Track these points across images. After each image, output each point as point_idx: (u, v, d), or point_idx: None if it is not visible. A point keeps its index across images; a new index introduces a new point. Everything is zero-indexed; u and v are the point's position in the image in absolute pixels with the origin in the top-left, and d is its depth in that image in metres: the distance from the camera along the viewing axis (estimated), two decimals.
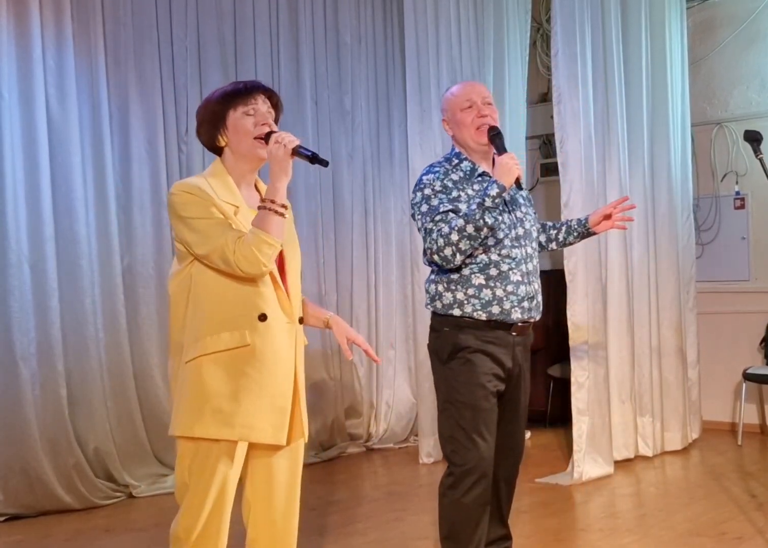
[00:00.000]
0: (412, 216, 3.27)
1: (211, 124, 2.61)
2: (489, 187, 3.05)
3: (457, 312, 3.17)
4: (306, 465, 6.00)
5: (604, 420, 5.27)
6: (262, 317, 2.51)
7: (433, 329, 3.28)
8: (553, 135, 5.62)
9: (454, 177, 3.21)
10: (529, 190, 6.99)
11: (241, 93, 2.60)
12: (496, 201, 3.03)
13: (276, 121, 2.65)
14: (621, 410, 5.53)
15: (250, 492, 2.64)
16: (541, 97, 7.15)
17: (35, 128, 4.79)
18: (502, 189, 3.04)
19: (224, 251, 2.44)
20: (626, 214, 3.58)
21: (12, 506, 4.68)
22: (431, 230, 3.11)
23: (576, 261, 5.24)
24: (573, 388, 5.25)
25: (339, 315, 6.26)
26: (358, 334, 2.83)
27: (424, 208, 3.15)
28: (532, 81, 6.54)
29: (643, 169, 5.77)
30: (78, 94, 4.99)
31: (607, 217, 3.48)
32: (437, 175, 3.19)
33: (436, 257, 3.10)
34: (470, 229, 3.03)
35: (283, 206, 2.51)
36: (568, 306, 5.25)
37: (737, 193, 6.43)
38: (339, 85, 6.33)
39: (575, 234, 3.53)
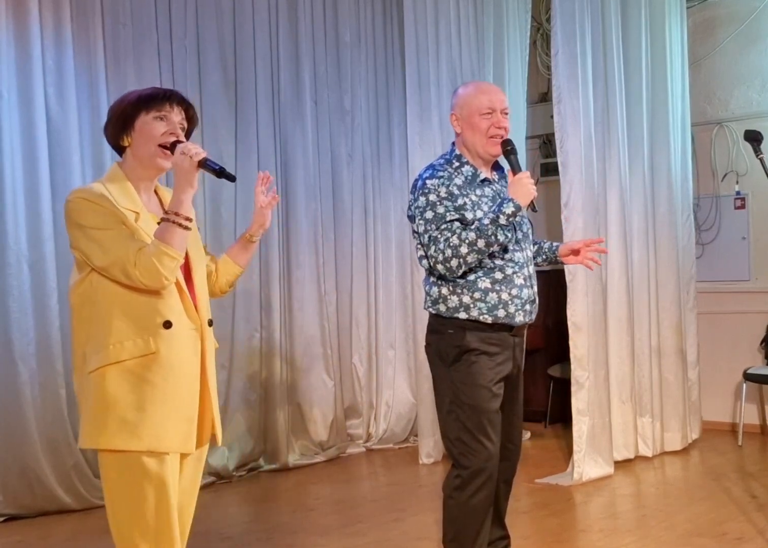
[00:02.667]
0: (410, 217, 3.22)
1: (120, 121, 2.52)
2: (504, 205, 3.03)
3: (462, 315, 3.16)
4: (306, 466, 6.04)
5: (604, 420, 5.26)
6: (167, 324, 2.45)
7: (435, 331, 3.25)
8: (553, 134, 5.61)
9: (458, 181, 3.16)
10: None
11: (157, 98, 2.53)
12: (510, 219, 3.02)
13: (188, 134, 2.59)
14: (621, 410, 5.52)
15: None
16: (541, 97, 7.14)
17: (34, 128, 4.78)
18: (518, 208, 3.03)
19: (125, 264, 2.38)
20: (597, 247, 3.50)
21: (11, 506, 4.68)
22: (436, 239, 3.07)
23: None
24: (573, 388, 5.25)
25: (338, 315, 6.31)
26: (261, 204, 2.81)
27: (429, 214, 3.10)
28: (532, 80, 6.53)
29: (643, 169, 5.76)
30: (77, 93, 4.98)
31: (575, 252, 3.44)
32: (442, 180, 3.14)
33: (440, 267, 3.08)
34: (481, 243, 3.02)
35: (188, 219, 2.42)
36: (568, 306, 5.24)
37: (738, 192, 6.42)
38: (339, 85, 6.32)
39: (543, 256, 3.49)
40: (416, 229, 3.18)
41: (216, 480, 5.35)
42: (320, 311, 6.10)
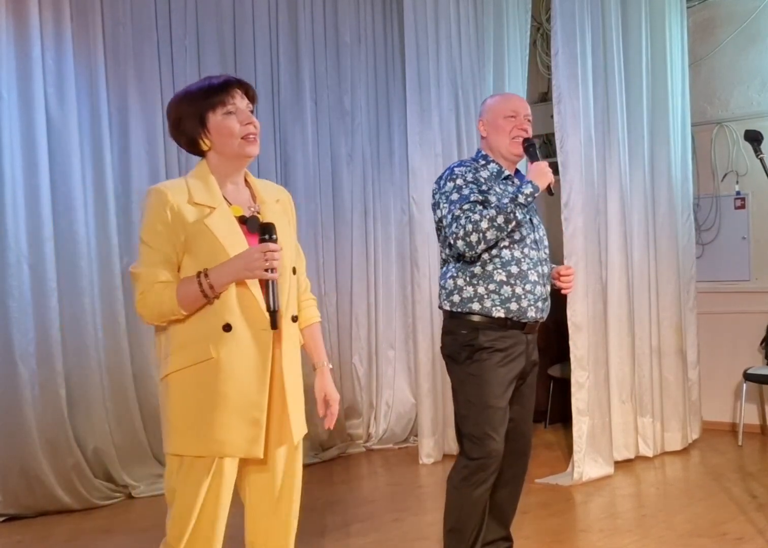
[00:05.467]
0: (434, 205, 3.32)
1: (190, 127, 2.48)
2: (524, 186, 3.18)
3: (476, 306, 3.23)
4: (306, 466, 5.98)
5: (604, 420, 5.26)
6: (227, 327, 2.41)
7: (449, 332, 3.33)
8: (553, 134, 5.61)
9: (484, 174, 3.31)
10: None
11: (217, 91, 2.48)
12: (529, 199, 3.15)
13: (252, 113, 2.57)
14: (621, 410, 5.52)
15: (248, 503, 2.60)
16: (541, 97, 7.14)
17: (34, 128, 4.79)
18: (536, 189, 3.17)
19: (138, 284, 2.44)
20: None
21: (11, 506, 4.68)
22: (459, 216, 3.17)
23: (576, 261, 5.23)
24: (573, 388, 5.25)
25: (338, 315, 6.30)
26: (336, 395, 2.73)
27: (455, 196, 3.22)
28: (532, 80, 6.53)
29: (643, 169, 5.76)
30: (77, 94, 4.98)
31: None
32: (469, 168, 3.30)
33: (460, 242, 3.15)
34: (500, 220, 3.11)
35: (216, 297, 2.41)
36: (568, 307, 5.24)
37: (738, 192, 6.42)
38: (339, 85, 6.32)
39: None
40: (440, 214, 3.28)
41: None
42: (320, 311, 6.08)
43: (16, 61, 4.76)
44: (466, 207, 3.16)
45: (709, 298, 6.39)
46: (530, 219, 3.33)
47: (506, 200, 3.15)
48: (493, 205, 3.16)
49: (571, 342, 5.26)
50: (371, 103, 6.49)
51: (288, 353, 2.52)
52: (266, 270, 2.38)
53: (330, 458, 6.01)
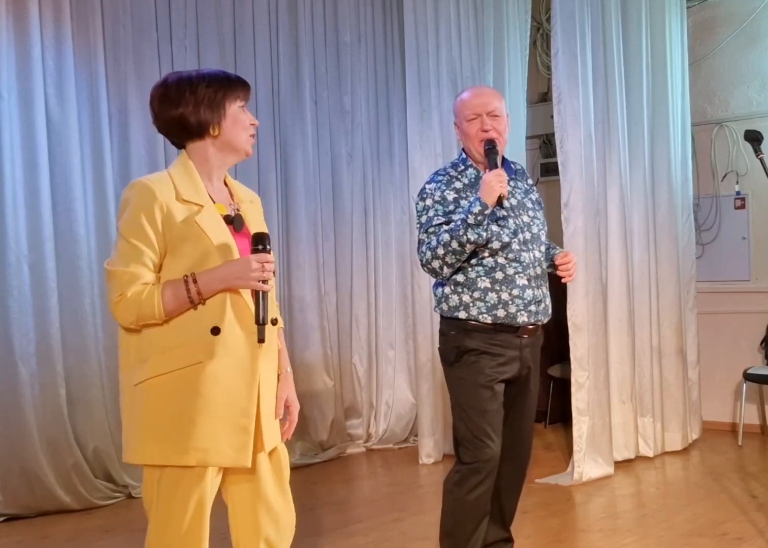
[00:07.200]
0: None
1: (206, 110, 2.38)
2: (472, 204, 3.08)
3: (462, 314, 3.20)
4: (306, 466, 6.03)
5: (604, 420, 5.26)
6: (215, 331, 2.30)
7: (441, 333, 3.33)
8: (553, 134, 5.61)
9: (458, 185, 3.25)
10: None
11: (241, 84, 2.46)
12: (479, 218, 3.06)
13: None
14: (621, 410, 5.52)
15: (236, 514, 2.48)
16: (541, 97, 7.14)
17: (34, 128, 4.79)
18: (485, 207, 3.06)
19: (114, 283, 2.31)
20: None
21: (11, 506, 4.68)
22: (422, 241, 3.20)
23: (576, 261, 5.22)
24: (573, 388, 5.25)
25: (338, 315, 6.30)
26: (297, 403, 2.63)
27: (423, 219, 3.22)
28: (532, 80, 6.53)
29: (643, 169, 5.76)
30: (77, 94, 4.98)
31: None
32: (439, 184, 3.24)
33: (425, 269, 3.21)
34: (454, 244, 3.09)
35: (202, 302, 2.30)
36: (568, 306, 5.24)
37: (737, 192, 6.42)
38: (339, 85, 6.32)
39: (548, 262, 3.43)
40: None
41: None
42: (320, 311, 6.10)
43: (16, 61, 4.77)
44: (431, 230, 3.17)
45: (709, 298, 6.39)
46: (517, 219, 3.22)
47: (458, 222, 3.08)
48: (447, 228, 3.11)
49: (571, 342, 5.27)
50: (371, 103, 6.49)
51: (268, 358, 2.45)
52: (260, 281, 2.31)
53: (330, 458, 6.01)
